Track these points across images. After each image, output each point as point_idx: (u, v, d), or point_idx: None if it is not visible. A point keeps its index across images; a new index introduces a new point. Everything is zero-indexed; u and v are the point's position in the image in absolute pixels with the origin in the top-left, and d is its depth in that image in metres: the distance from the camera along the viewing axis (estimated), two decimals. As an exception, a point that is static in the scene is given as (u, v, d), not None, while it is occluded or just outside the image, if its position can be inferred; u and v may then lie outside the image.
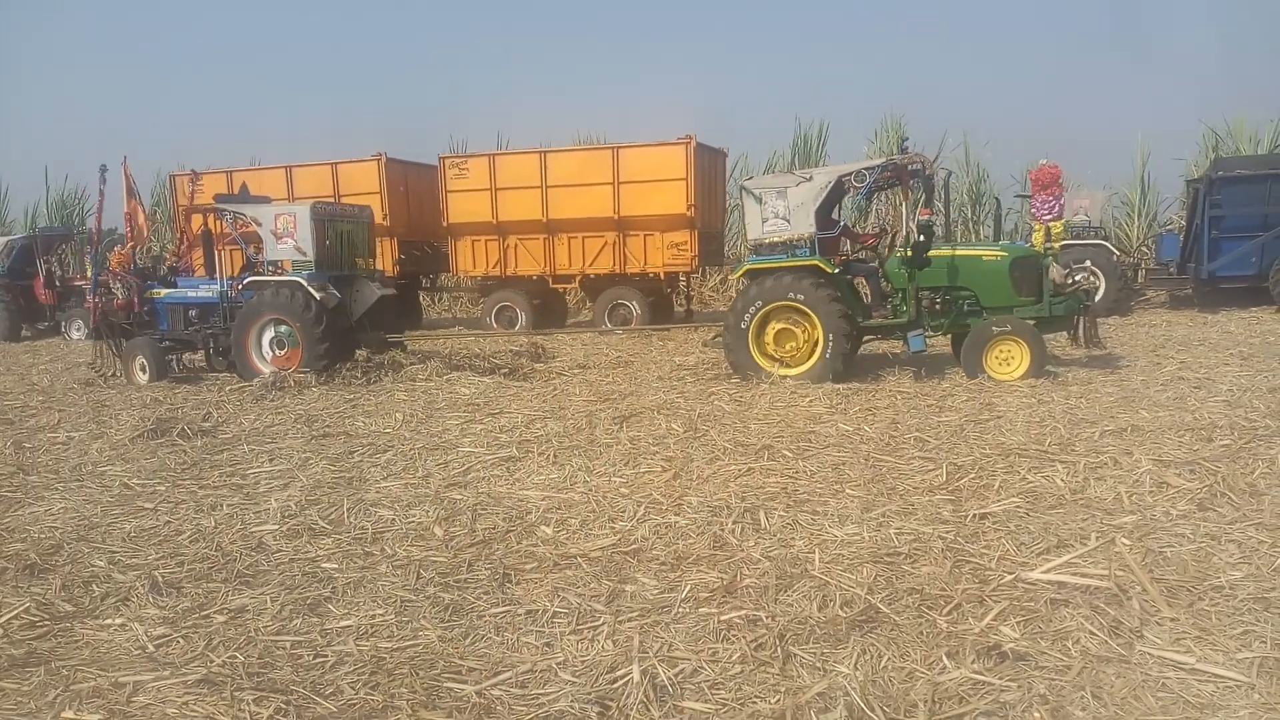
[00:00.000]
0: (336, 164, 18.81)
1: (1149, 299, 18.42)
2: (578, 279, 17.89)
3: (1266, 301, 15.87)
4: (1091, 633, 3.76)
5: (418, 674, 3.68)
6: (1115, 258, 17.40)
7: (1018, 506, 5.41)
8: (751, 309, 10.38)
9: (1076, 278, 10.61)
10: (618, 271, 17.31)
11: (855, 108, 48.45)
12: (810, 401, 9.01)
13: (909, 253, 10.14)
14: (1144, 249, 22.06)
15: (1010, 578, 4.34)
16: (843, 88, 46.26)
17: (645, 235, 16.96)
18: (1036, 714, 3.22)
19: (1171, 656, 3.56)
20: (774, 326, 10.38)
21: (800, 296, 10.14)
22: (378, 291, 12.62)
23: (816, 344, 10.20)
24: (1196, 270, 16.83)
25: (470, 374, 11.28)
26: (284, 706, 3.43)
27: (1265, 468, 5.86)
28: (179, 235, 15.30)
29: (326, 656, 3.89)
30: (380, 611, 4.31)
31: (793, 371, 10.25)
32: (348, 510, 5.88)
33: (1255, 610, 3.92)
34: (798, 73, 50.41)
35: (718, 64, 53.98)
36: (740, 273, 11.01)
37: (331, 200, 16.68)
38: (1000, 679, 3.44)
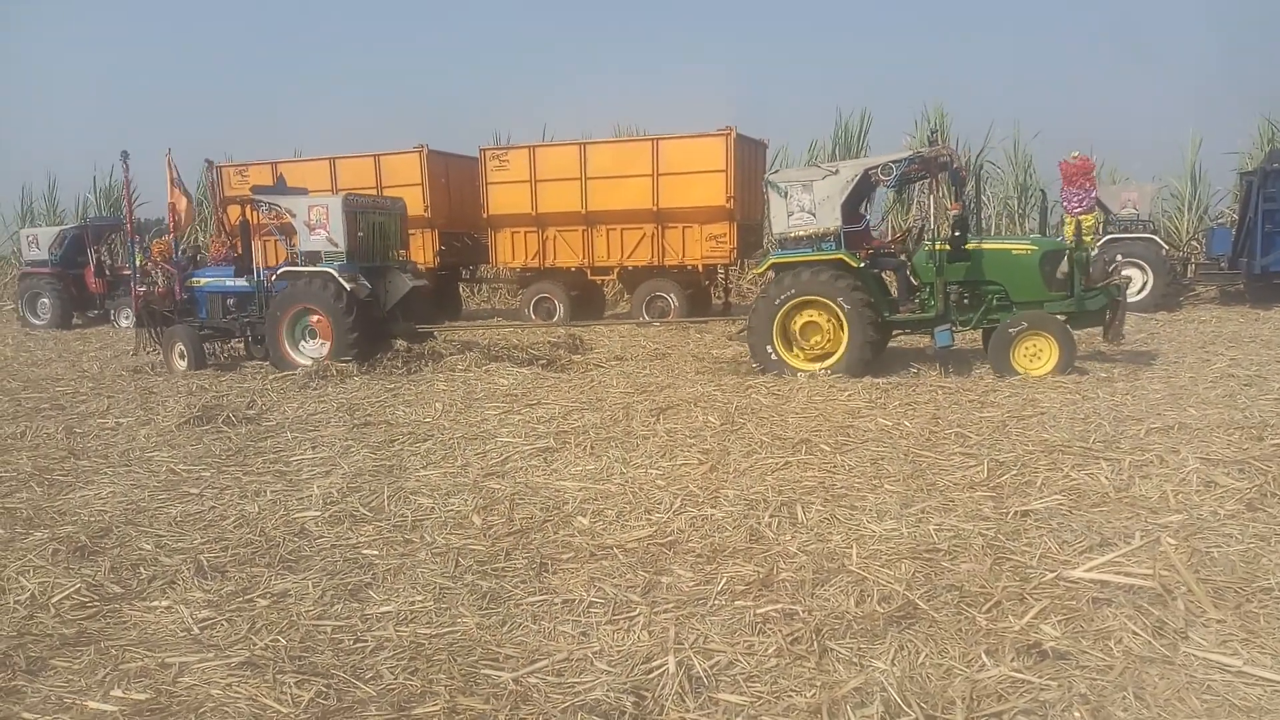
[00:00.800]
0: (379, 155, 19.02)
1: (1198, 294, 18.02)
2: (616, 271, 17.92)
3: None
4: (1135, 633, 3.70)
5: (456, 660, 3.72)
6: (1164, 252, 17.04)
7: (1060, 504, 5.33)
8: (776, 303, 10.33)
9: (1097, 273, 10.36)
10: (656, 263, 17.31)
11: (899, 99, 47.91)
12: (849, 396, 8.94)
13: (939, 247, 10.01)
14: (1194, 243, 21.57)
15: (1052, 576, 4.28)
16: (887, 79, 45.76)
17: (684, 227, 16.94)
18: (1077, 713, 3.18)
19: (1217, 658, 3.49)
20: (799, 320, 10.32)
21: (824, 290, 10.07)
22: (409, 283, 12.76)
23: (842, 337, 10.13)
24: (1249, 265, 16.44)
25: (508, 365, 11.35)
26: (325, 689, 3.49)
27: (1318, 468, 5.71)
28: (218, 225, 15.61)
29: (366, 641, 3.94)
30: (419, 598, 4.36)
31: (817, 366, 10.19)
32: (388, 498, 5.95)
33: (1306, 613, 3.83)
34: (840, 63, 49.94)
35: (759, 54, 53.64)
36: (765, 266, 10.96)
37: (367, 193, 16.84)
38: (1040, 678, 3.40)
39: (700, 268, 17.42)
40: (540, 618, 4.10)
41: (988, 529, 4.96)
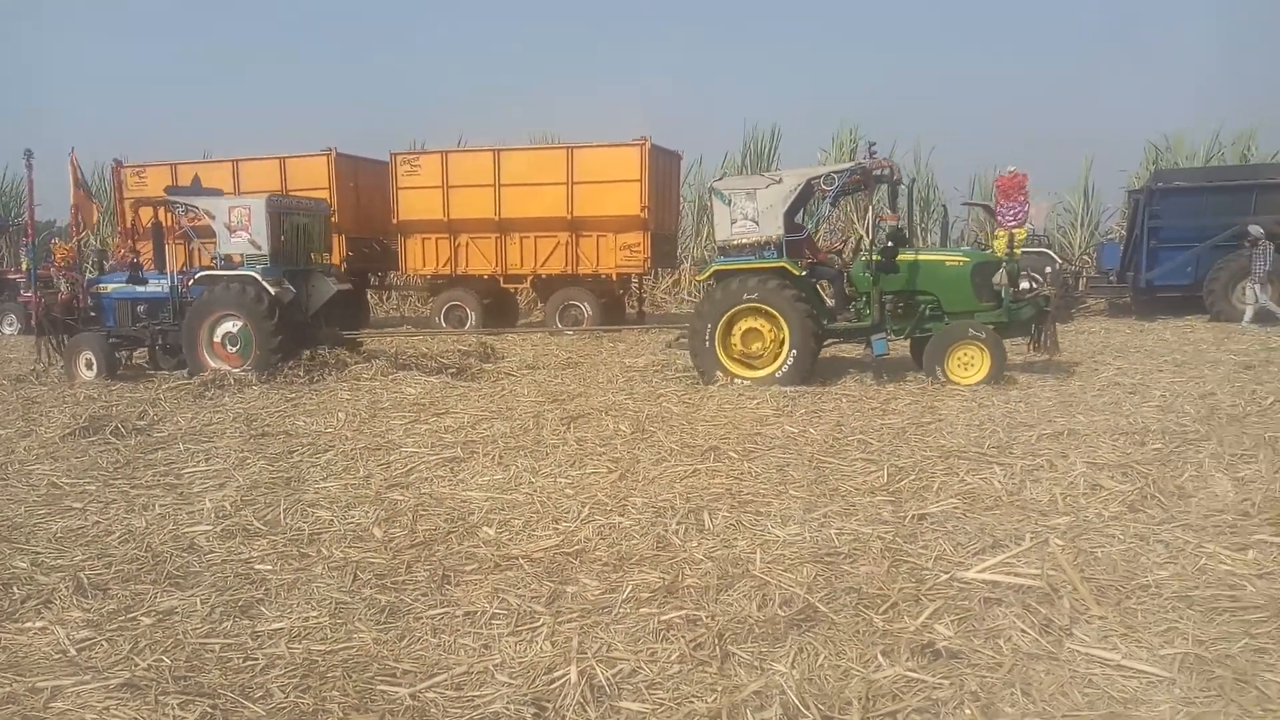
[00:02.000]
0: (285, 158, 18.53)
1: (1089, 306, 18.87)
2: (529, 279, 17.81)
3: (1200, 310, 16.34)
4: (1023, 631, 3.82)
5: (350, 676, 3.61)
6: (1057, 265, 17.78)
7: (955, 507, 5.48)
8: (717, 311, 10.36)
9: (1031, 285, 10.78)
10: (570, 272, 17.27)
11: (807, 114, 48.92)
12: (757, 404, 9.06)
13: (876, 257, 10.21)
14: (1085, 257, 22.57)
15: (946, 577, 4.40)
16: (796, 94, 46.71)
17: (598, 236, 16.95)
18: (968, 711, 3.26)
19: (1099, 654, 3.63)
20: (740, 328, 10.36)
21: (767, 299, 10.15)
22: (334, 286, 12.44)
23: (783, 346, 10.21)
24: (1135, 279, 17.28)
25: (417, 373, 11.16)
26: (210, 711, 3.35)
27: (1193, 471, 6.02)
28: (125, 228, 14.95)
29: (257, 659, 3.80)
30: (314, 613, 4.23)
31: (759, 374, 10.26)
32: (284, 511, 5.77)
33: (1179, 608, 4.01)
34: (752, 78, 50.79)
35: (673, 69, 54.18)
36: (707, 274, 10.99)
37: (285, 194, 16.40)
38: (933, 676, 3.48)
39: (614, 277, 17.45)
40: (441, 631, 4.02)
41: (886, 532, 5.07)
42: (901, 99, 43.82)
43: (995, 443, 6.99)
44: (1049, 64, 48.32)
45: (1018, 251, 13.86)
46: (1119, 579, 4.33)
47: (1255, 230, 15.18)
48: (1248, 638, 3.71)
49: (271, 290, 11.46)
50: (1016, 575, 4.36)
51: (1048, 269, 16.67)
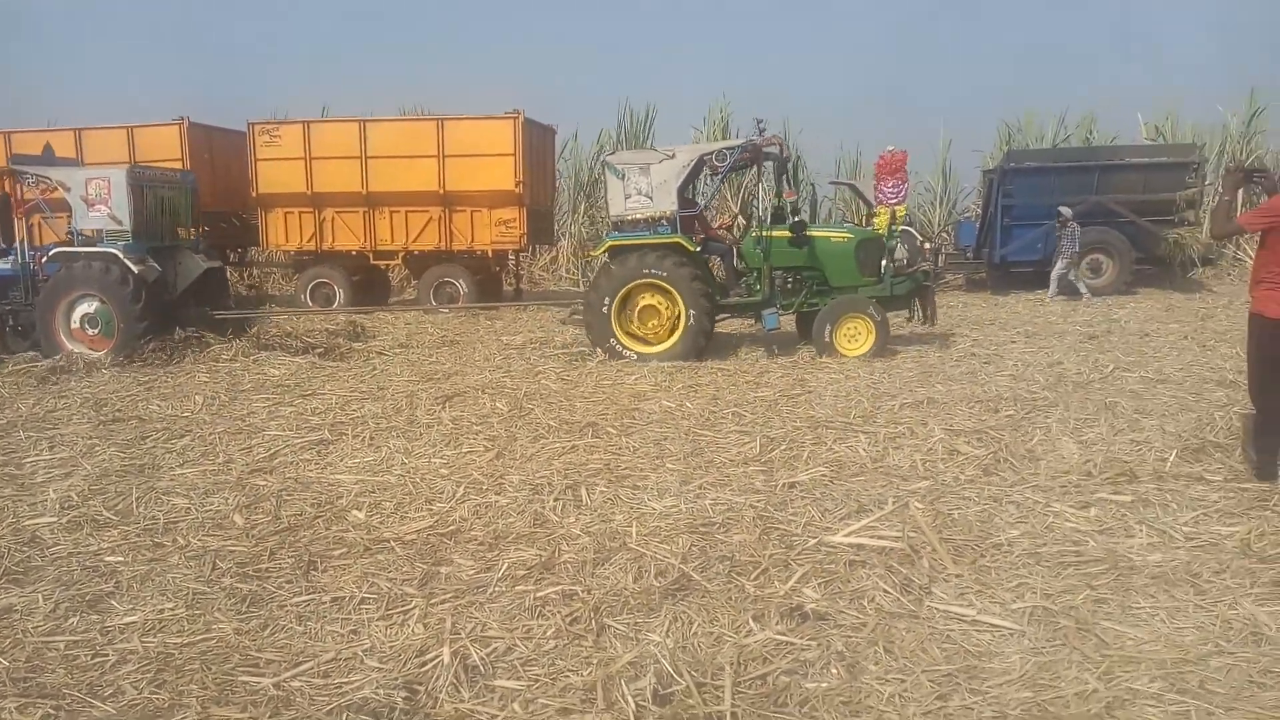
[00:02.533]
0: (133, 128, 17.35)
1: (948, 281, 19.71)
2: (401, 255, 17.29)
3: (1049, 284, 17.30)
4: (885, 591, 3.99)
5: (210, 669, 3.46)
6: (919, 242, 18.51)
7: (824, 475, 5.66)
8: (613, 285, 10.32)
9: (910, 259, 11.14)
10: (443, 248, 16.85)
11: (682, 91, 49.19)
12: (635, 379, 9.10)
13: (770, 234, 10.35)
14: (944, 235, 23.57)
15: (814, 542, 4.54)
16: (671, 70, 46.92)
17: (472, 211, 16.58)
18: (834, 670, 3.38)
19: (955, 610, 3.82)
20: (636, 304, 10.35)
21: (663, 274, 10.17)
22: (202, 264, 11.76)
23: (679, 321, 10.26)
24: (990, 255, 18.14)
25: (281, 354, 10.71)
26: (53, 712, 3.15)
27: (1042, 435, 6.40)
28: None
29: (107, 656, 3.60)
30: (170, 605, 4.03)
31: (655, 349, 10.29)
32: (137, 500, 5.46)
33: (1029, 564, 4.26)
34: (625, 54, 50.68)
35: (545, 41, 53.51)
36: (602, 249, 10.93)
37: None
38: (802, 639, 3.59)
39: (490, 253, 17.13)
40: (307, 618, 3.89)
41: (759, 501, 5.20)
42: (769, 80, 44.60)
43: (861, 412, 7.24)
44: (913, 45, 50.10)
45: (899, 227, 14.35)
46: (974, 539, 4.57)
47: (1065, 211, 16.25)
48: (1089, 589, 3.97)
49: (135, 269, 10.75)
50: (879, 538, 4.53)
51: (921, 244, 17.34)
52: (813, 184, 19.44)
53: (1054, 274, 16.44)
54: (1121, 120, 26.46)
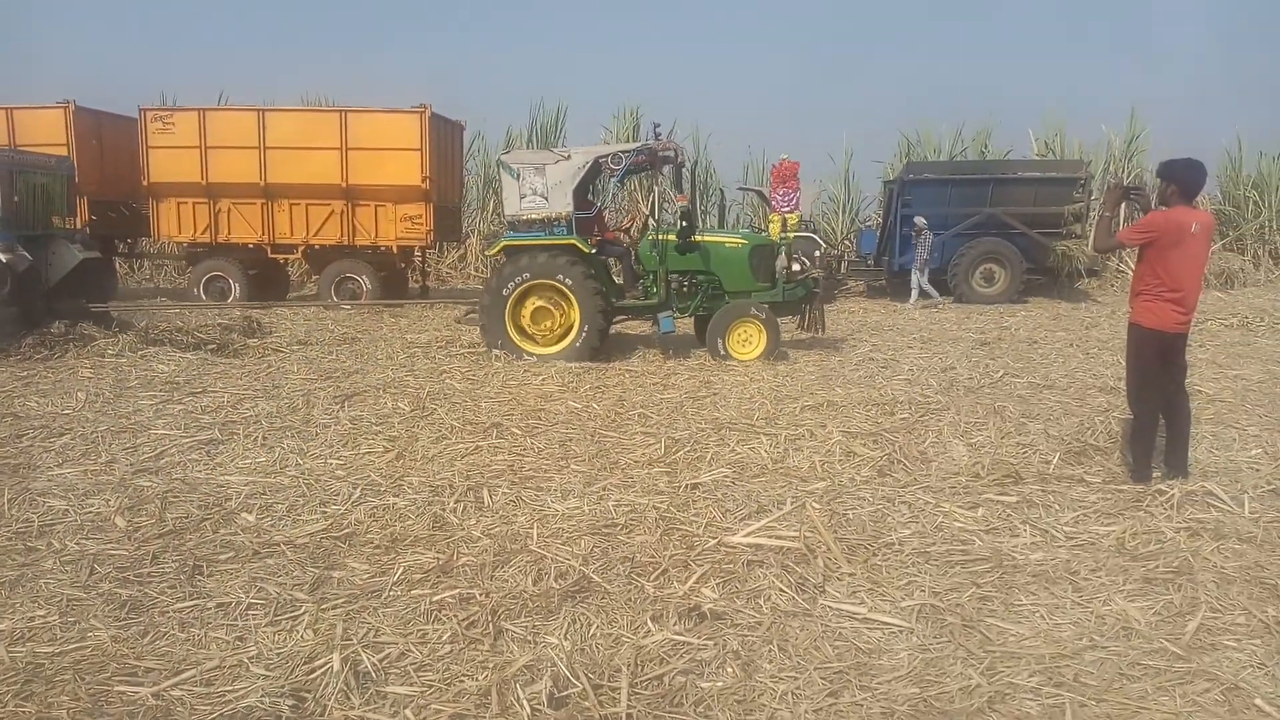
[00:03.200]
0: (12, 109, 16.43)
1: (850, 288, 20.23)
2: (301, 249, 16.80)
3: (945, 292, 17.92)
4: (781, 590, 4.06)
5: (83, 678, 3.29)
6: (821, 250, 18.93)
7: (726, 476, 5.73)
8: (509, 286, 10.23)
9: (804, 267, 11.33)
10: (346, 243, 16.45)
11: (591, 92, 49.26)
12: (542, 380, 9.05)
13: (665, 237, 10.39)
14: (847, 242, 24.16)
15: (714, 542, 4.58)
16: (580, 71, 46.90)
17: (377, 206, 16.23)
18: (730, 669, 3.42)
19: (848, 608, 3.92)
20: (531, 304, 10.27)
21: (558, 275, 10.12)
22: (79, 255, 11.18)
23: (573, 323, 10.23)
24: (890, 263, 18.68)
25: (170, 349, 10.25)
26: (-95, 730, 2.95)
27: (934, 437, 6.61)
28: None
29: (-32, 668, 3.38)
30: (42, 612, 3.82)
31: (549, 350, 10.23)
32: (9, 501, 5.16)
33: (919, 563, 4.40)
34: (534, 51, 50.43)
35: (452, 38, 52.83)
36: (497, 249, 10.81)
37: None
38: (699, 638, 3.62)
39: (395, 249, 16.81)
40: (190, 625, 3.74)
41: (661, 502, 5.22)
42: (681, 84, 44.98)
43: (763, 414, 7.36)
44: (822, 53, 51.27)
45: (790, 235, 14.63)
46: (867, 538, 4.69)
47: (920, 221, 17.00)
48: (975, 587, 4.12)
49: (3, 258, 10.16)
50: (777, 538, 4.61)
51: (816, 253, 17.71)
52: (721, 189, 19.71)
53: (912, 281, 17.23)
54: (1014, 135, 27.64)
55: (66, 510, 5.07)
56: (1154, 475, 5.53)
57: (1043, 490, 5.43)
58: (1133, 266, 5.93)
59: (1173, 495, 5.15)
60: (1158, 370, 5.48)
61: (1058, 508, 5.14)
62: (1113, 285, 20.14)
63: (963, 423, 7.01)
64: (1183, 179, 5.34)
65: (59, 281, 11.13)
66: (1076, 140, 23.75)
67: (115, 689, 3.24)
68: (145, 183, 16.20)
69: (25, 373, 9.18)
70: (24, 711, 3.09)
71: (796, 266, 10.92)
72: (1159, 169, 5.52)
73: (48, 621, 3.75)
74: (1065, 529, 4.83)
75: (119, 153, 16.85)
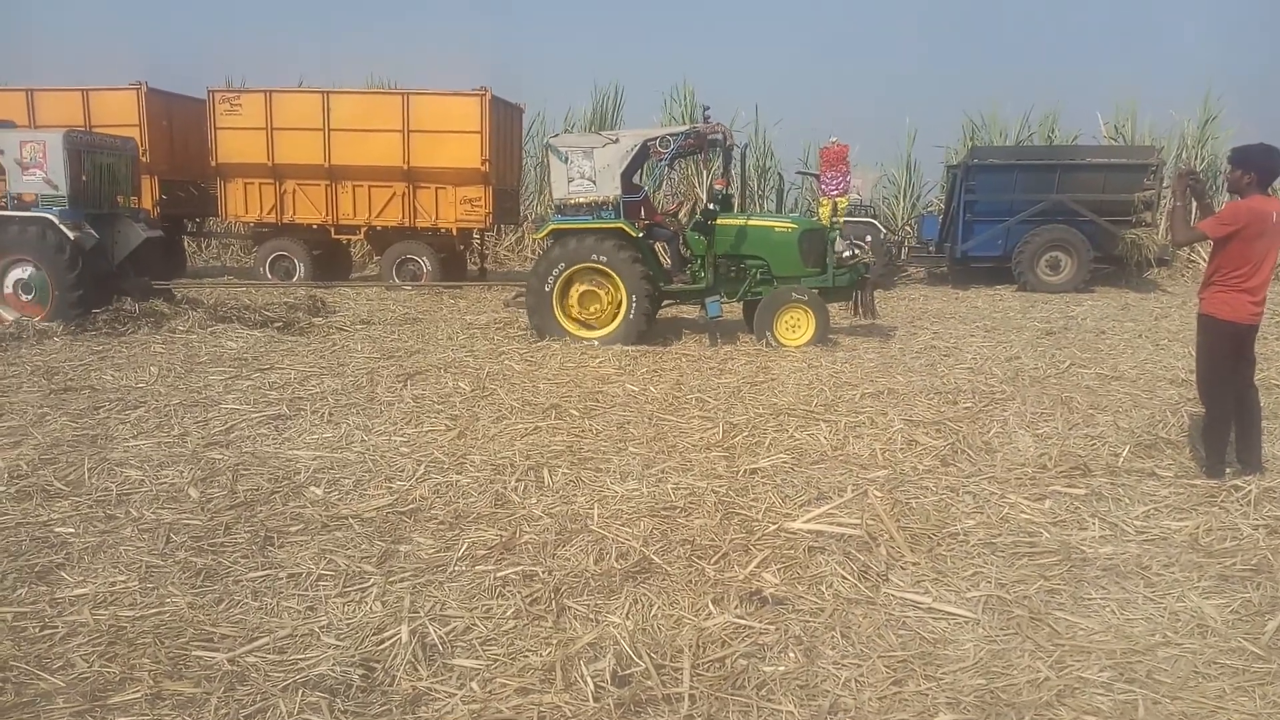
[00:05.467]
0: (88, 90, 16.89)
1: (910, 275, 19.94)
2: (363, 230, 17.06)
3: (1009, 281, 17.57)
4: (843, 577, 4.03)
5: (163, 643, 3.40)
6: (882, 235, 18.67)
7: (785, 462, 5.70)
8: (555, 270, 10.27)
9: (854, 252, 11.21)
10: (407, 225, 16.65)
11: (647, 74, 49.00)
12: (599, 363, 9.09)
13: (716, 222, 10.35)
14: (908, 228, 23.79)
15: (774, 528, 4.57)
16: (635, 53, 46.74)
17: (437, 189, 16.39)
18: (792, 654, 3.41)
19: (911, 597, 3.88)
20: (578, 288, 10.30)
21: (604, 259, 10.14)
22: (143, 233, 11.49)
23: (620, 307, 10.25)
24: (952, 249, 18.35)
25: (238, 327, 10.53)
26: (0, 684, 3.07)
27: (999, 427, 6.50)
28: None
29: (56, 628, 3.52)
30: (122, 578, 3.95)
31: (596, 334, 10.26)
32: (89, 470, 5.34)
33: (984, 554, 4.33)
34: (590, 33, 50.37)
35: (511, 19, 52.96)
36: (544, 233, 10.86)
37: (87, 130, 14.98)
38: (760, 622, 3.62)
39: (454, 231, 16.96)
40: (262, 594, 3.84)
41: (720, 486, 5.22)
42: (741, 65, 44.55)
43: (822, 401, 7.30)
44: (885, 35, 50.39)
45: (840, 219, 14.43)
46: (931, 528, 4.63)
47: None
48: (1042, 580, 4.05)
49: (70, 235, 10.49)
50: (838, 525, 4.58)
51: (868, 237, 17.47)
52: (780, 173, 19.53)
53: None
54: (1082, 119, 26.90)
55: (142, 480, 5.24)
56: (1228, 471, 5.37)
57: (1112, 483, 5.31)
58: (1206, 256, 5.74)
59: (1249, 491, 5.00)
60: (1231, 363, 5.32)
61: (1128, 501, 5.02)
62: (1183, 275, 19.57)
63: (1029, 413, 6.88)
64: (1260, 166, 5.15)
65: (123, 259, 11.43)
66: (1147, 124, 23.06)
67: (193, 653, 3.35)
68: (213, 163, 16.56)
69: (100, 347, 9.48)
70: (109, 672, 3.21)
71: (847, 252, 10.79)
72: (1232, 155, 5.32)
73: (128, 587, 3.88)
74: (1136, 523, 4.72)
75: (188, 133, 17.25)
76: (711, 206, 10.20)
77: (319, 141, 16.14)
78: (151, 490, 5.08)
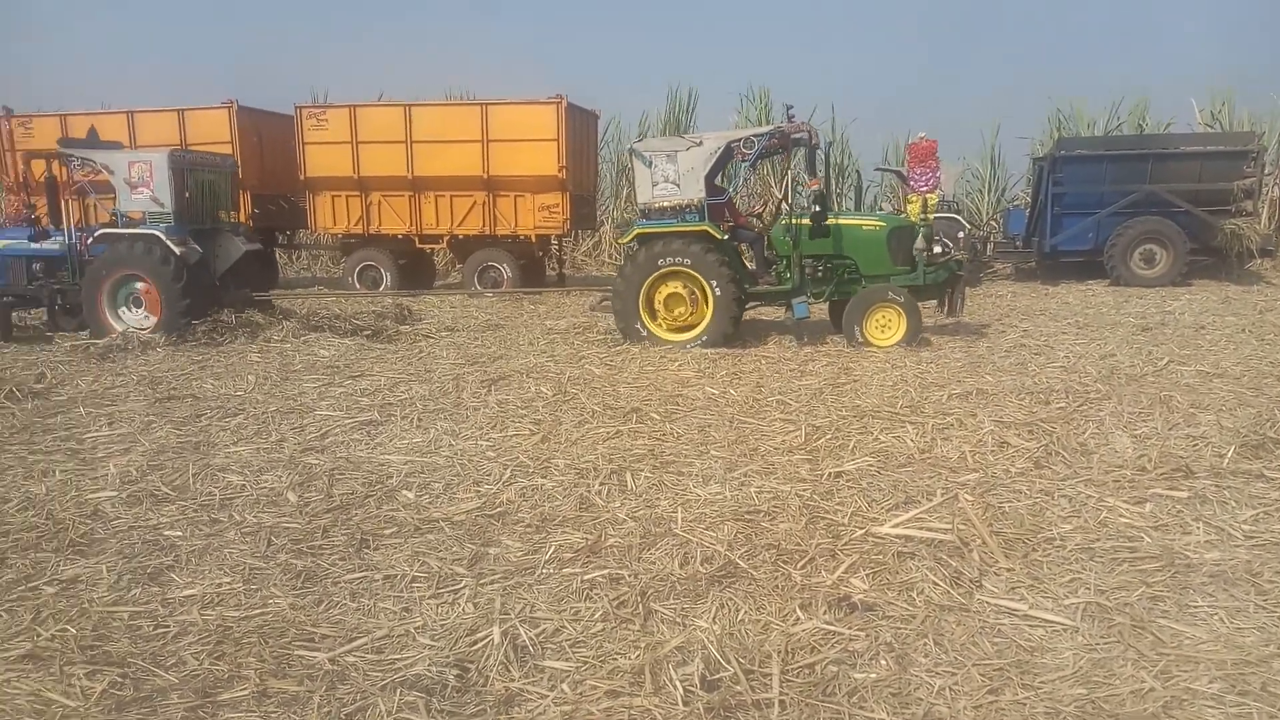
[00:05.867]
0: (184, 110, 17.68)
1: (996, 271, 19.44)
2: (445, 239, 17.45)
3: (1102, 275, 17.00)
4: (935, 583, 3.96)
5: (267, 642, 3.53)
6: (966, 230, 18.25)
7: (870, 465, 5.62)
8: (641, 273, 10.33)
9: (945, 249, 10.97)
10: (487, 233, 16.99)
11: (725, 77, 48.91)
12: (679, 366, 9.11)
13: (799, 221, 10.26)
14: (993, 223, 23.21)
15: (861, 532, 4.51)
16: (710, 56, 46.64)
17: (516, 196, 16.68)
18: (883, 661, 3.37)
19: (1006, 604, 3.78)
20: (663, 291, 10.34)
21: (689, 262, 10.15)
22: (243, 246, 11.97)
23: (706, 309, 10.24)
24: (1040, 244, 17.84)
25: (330, 335, 10.86)
26: (119, 680, 3.24)
27: (1095, 428, 6.29)
28: (16, 182, 14.11)
29: (168, 627, 3.69)
30: (227, 579, 4.12)
31: (682, 337, 10.27)
32: (193, 476, 5.57)
33: (1082, 560, 4.20)
34: (665, 37, 50.46)
35: (585, 25, 53.44)
36: (629, 237, 10.91)
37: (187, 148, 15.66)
38: (850, 629, 3.58)
39: (533, 238, 17.23)
40: (360, 595, 3.96)
41: (804, 490, 5.18)
42: (816, 62, 44.11)
43: (908, 402, 7.17)
44: (963, 28, 49.24)
45: (930, 215, 14.16)
46: (1025, 532, 4.51)
47: None
48: (1145, 586, 3.91)
49: (176, 250, 10.98)
50: (928, 530, 4.50)
51: (959, 234, 17.10)
52: (858, 171, 19.24)
53: None
54: (1175, 107, 25.85)
55: (243, 485, 5.45)
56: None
57: (1217, 486, 5.09)
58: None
59: (1369, 494, 4.74)
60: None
61: (1235, 504, 4.81)
62: (1289, 266, 18.62)
63: (1126, 413, 6.65)
64: None
65: (224, 272, 11.90)
66: (1245, 110, 22.04)
67: (295, 653, 3.47)
68: (302, 177, 17.15)
69: (200, 357, 9.89)
70: (218, 669, 3.35)
71: (938, 248, 10.57)
72: None
73: (233, 588, 4.04)
74: (1244, 527, 4.52)
75: (277, 148, 17.89)
76: (817, 208, 10.11)
77: (402, 154, 16.56)
78: (252, 494, 5.28)
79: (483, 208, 16.82)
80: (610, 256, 23.45)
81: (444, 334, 11.70)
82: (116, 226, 11.32)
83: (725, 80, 51.21)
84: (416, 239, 17.35)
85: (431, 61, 46.91)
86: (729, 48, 48.90)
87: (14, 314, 11.90)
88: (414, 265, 17.97)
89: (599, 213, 21.87)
